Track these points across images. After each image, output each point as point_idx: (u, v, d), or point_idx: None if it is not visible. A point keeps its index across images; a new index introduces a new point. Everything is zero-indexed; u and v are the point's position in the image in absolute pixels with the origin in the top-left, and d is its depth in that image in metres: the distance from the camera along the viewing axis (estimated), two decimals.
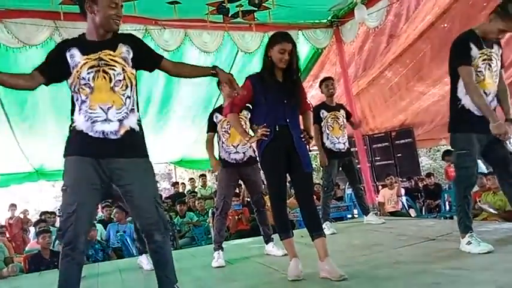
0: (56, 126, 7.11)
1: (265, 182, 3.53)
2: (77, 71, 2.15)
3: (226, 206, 3.78)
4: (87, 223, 2.19)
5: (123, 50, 2.24)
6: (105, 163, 2.15)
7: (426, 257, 2.92)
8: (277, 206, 2.85)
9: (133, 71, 2.27)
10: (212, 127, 3.88)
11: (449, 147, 6.01)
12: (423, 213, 7.33)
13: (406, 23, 6.79)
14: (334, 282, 2.52)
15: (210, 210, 7.06)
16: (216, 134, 3.87)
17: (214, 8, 5.53)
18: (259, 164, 2.94)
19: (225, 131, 3.79)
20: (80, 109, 2.15)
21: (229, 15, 5.78)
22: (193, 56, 6.08)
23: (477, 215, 5.29)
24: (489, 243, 2.80)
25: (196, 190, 9.08)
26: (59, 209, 8.82)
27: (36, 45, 4.95)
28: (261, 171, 3.91)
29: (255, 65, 5.69)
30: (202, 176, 9.64)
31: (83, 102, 2.15)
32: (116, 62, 2.20)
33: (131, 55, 2.26)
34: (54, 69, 2.19)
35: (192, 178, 10.09)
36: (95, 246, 5.47)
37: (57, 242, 5.66)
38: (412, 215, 7.15)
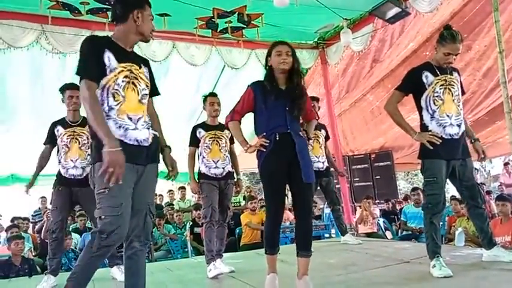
0: (34, 131, 6.99)
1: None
2: (115, 75, 2.17)
3: (215, 213, 3.77)
4: (128, 226, 2.14)
5: (145, 70, 2.35)
6: (138, 168, 2.20)
7: (400, 279, 2.97)
8: (271, 219, 2.76)
9: None
10: (195, 141, 3.97)
11: None
12: (399, 235, 7.40)
13: (390, 49, 6.97)
14: None
15: (188, 224, 7.00)
16: (198, 148, 3.95)
17: (204, 23, 5.58)
18: (259, 174, 2.90)
19: (206, 146, 3.89)
20: (107, 115, 2.14)
21: (218, 31, 5.84)
22: (180, 67, 6.11)
23: (452, 239, 5.38)
24: (462, 267, 2.87)
25: (174, 202, 8.97)
26: (32, 215, 8.61)
27: (22, 47, 4.91)
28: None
29: (241, 81, 5.74)
30: (182, 188, 9.53)
31: (110, 109, 2.15)
32: (141, 78, 2.29)
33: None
34: (98, 69, 2.15)
35: (171, 190, 9.95)
36: (69, 255, 5.36)
37: (27, 248, 5.52)
38: (389, 237, 7.22)
